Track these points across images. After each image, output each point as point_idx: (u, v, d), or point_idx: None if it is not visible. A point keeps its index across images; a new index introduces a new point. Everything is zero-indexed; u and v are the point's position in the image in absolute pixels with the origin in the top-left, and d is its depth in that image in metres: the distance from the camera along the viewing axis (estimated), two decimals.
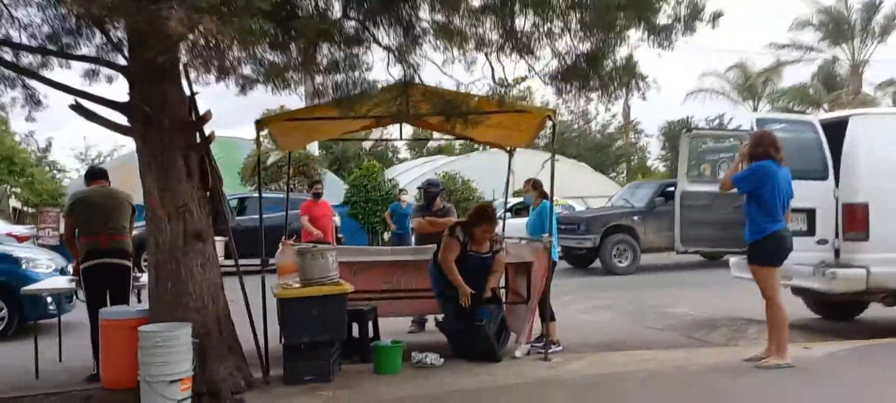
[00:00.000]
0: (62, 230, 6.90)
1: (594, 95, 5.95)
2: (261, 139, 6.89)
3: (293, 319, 5.83)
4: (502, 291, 7.34)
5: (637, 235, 15.16)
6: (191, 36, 3.90)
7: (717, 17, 5.48)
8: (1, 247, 9.49)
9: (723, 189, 6.43)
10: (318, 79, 5.64)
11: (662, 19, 5.45)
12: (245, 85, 5.64)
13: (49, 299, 8.10)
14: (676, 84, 59.68)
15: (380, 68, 5.62)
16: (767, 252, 6.06)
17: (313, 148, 22.46)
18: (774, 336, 6.11)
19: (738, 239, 6.79)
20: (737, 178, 6.16)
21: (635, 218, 15.36)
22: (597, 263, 15.38)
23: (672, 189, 15.62)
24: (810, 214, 7.51)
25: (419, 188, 9.74)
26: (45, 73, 5.91)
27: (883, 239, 7.25)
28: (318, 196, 10.84)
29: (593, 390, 5.54)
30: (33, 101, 6.14)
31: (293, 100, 6.35)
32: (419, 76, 5.56)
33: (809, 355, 6.51)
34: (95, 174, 6.95)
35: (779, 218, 6.06)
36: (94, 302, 6.22)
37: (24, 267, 8.73)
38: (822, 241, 7.49)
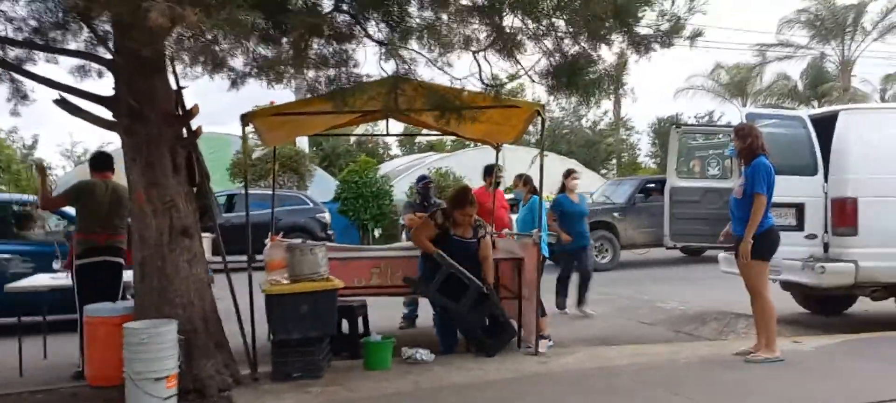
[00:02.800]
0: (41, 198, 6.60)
1: (575, 99, 5.96)
2: (247, 134, 6.82)
3: (282, 315, 5.77)
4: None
5: (617, 232, 15.14)
6: (174, 28, 3.83)
7: (696, 36, 5.52)
8: None
9: (757, 215, 5.94)
10: (311, 73, 5.59)
11: (643, 30, 5.49)
12: (236, 79, 5.59)
13: None
14: (666, 81, 60.00)
15: (373, 62, 5.59)
16: (764, 246, 6.04)
17: (303, 144, 22.38)
18: (763, 331, 6.11)
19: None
20: (758, 188, 5.90)
21: (615, 214, 15.35)
22: None
23: (652, 185, 15.72)
24: (799, 209, 7.54)
25: (417, 186, 9.40)
26: (31, 68, 5.83)
27: (871, 234, 7.27)
28: (496, 185, 9.01)
29: (584, 384, 5.52)
30: (20, 96, 6.06)
31: (285, 95, 6.33)
32: (413, 71, 5.53)
33: (800, 349, 6.52)
34: (102, 163, 6.73)
35: (769, 214, 6.06)
36: (86, 300, 6.06)
37: None
38: (811, 236, 7.52)
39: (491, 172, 8.95)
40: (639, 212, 15.29)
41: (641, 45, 5.55)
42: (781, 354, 6.04)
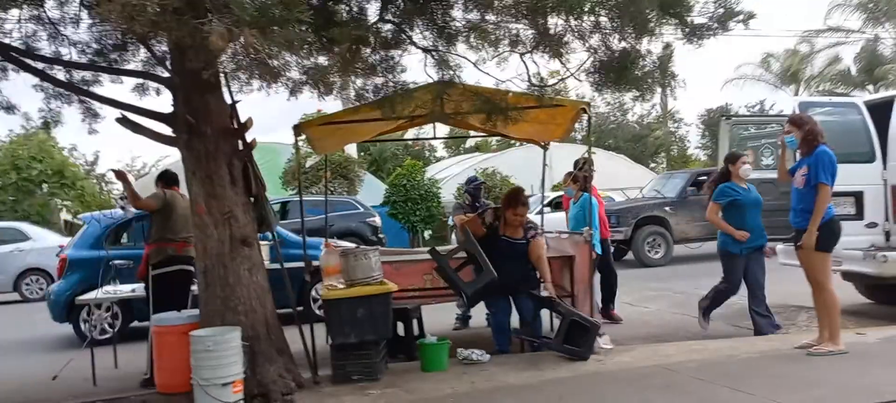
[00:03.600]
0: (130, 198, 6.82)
1: (628, 94, 5.95)
2: (299, 143, 6.97)
3: (339, 319, 5.89)
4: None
5: (669, 226, 14.95)
6: (231, 48, 3.97)
7: (749, 17, 5.46)
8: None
9: (822, 205, 5.86)
10: (359, 82, 5.70)
11: (696, 18, 5.45)
12: (293, 88, 5.75)
13: None
14: (715, 71, 58.94)
15: (418, 69, 5.67)
16: (826, 237, 5.93)
17: (351, 150, 22.65)
18: (826, 323, 6.00)
19: (783, 225, 6.68)
20: (823, 178, 5.82)
21: (667, 208, 15.16)
22: (630, 255, 15.22)
23: (704, 178, 15.46)
24: (858, 197, 7.39)
25: (468, 187, 9.38)
26: (96, 89, 6.10)
27: None
28: (584, 180, 8.16)
29: (642, 382, 5.49)
30: (91, 115, 6.32)
31: (333, 104, 6.46)
32: (459, 76, 5.59)
33: (863, 341, 6.38)
34: (173, 178, 7.05)
35: (830, 204, 5.95)
36: (161, 307, 6.23)
37: None
38: (872, 224, 7.36)
39: (580, 168, 8.18)
40: (691, 206, 15.10)
41: (695, 34, 5.52)
42: (845, 346, 5.93)
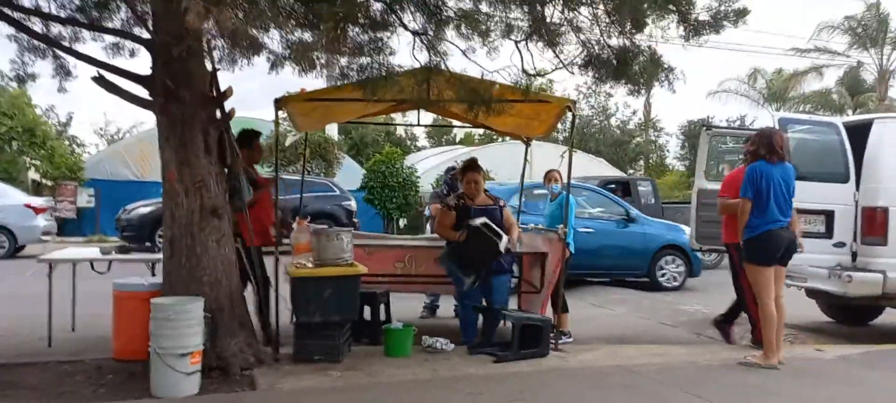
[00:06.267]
0: None
1: (623, 88, 5.96)
2: (280, 120, 6.88)
3: (306, 298, 5.84)
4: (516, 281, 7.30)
5: None
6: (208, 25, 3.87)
7: (743, 13, 5.48)
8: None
9: (736, 210, 6.23)
10: (344, 61, 5.64)
11: (699, 15, 5.47)
12: (275, 62, 5.65)
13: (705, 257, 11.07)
14: (697, 84, 59.35)
15: (405, 53, 5.62)
16: (758, 250, 6.01)
17: (333, 132, 22.50)
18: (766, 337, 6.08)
19: None
20: (743, 192, 6.08)
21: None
22: None
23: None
24: (829, 216, 7.45)
25: (446, 176, 9.32)
26: (74, 46, 5.94)
27: None
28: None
29: (603, 380, 5.53)
30: (64, 72, 6.16)
31: (317, 82, 6.37)
32: (445, 63, 5.55)
33: (822, 357, 6.47)
34: (246, 139, 6.70)
35: (772, 218, 5.97)
36: None
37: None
38: (840, 244, 7.43)
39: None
40: (651, 214, 15.14)
41: (696, 30, 5.54)
42: (777, 363, 5.97)
